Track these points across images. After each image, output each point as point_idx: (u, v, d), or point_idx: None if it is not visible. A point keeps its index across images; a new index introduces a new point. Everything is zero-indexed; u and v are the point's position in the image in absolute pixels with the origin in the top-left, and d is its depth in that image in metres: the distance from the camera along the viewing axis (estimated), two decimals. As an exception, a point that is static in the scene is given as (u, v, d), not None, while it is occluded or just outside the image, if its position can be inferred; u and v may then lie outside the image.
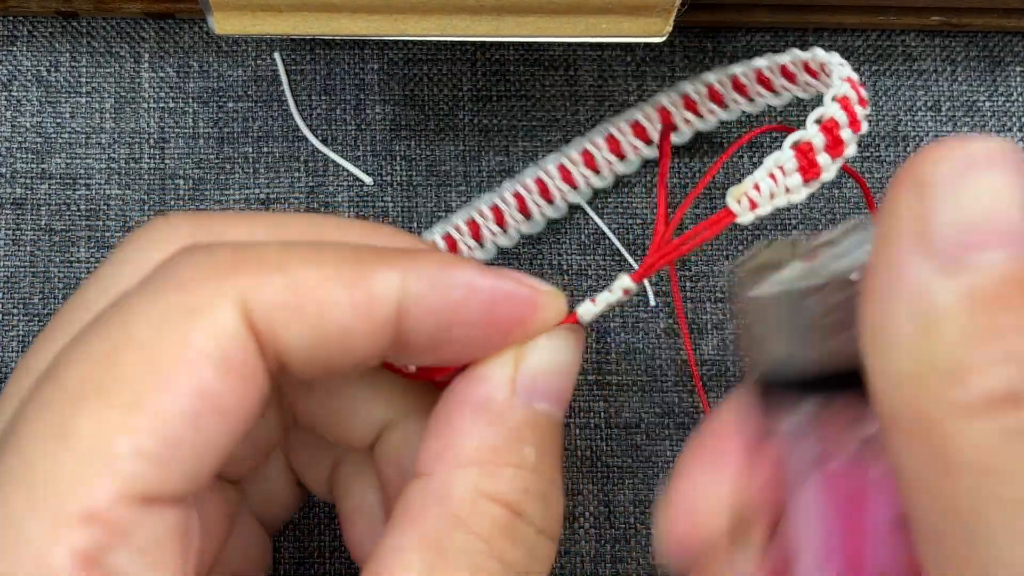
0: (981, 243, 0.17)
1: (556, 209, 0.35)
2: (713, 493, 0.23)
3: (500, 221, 0.34)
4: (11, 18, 0.37)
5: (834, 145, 0.25)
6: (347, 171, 0.37)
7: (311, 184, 0.37)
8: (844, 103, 0.26)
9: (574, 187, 0.35)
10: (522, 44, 0.37)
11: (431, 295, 0.22)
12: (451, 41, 0.37)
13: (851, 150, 0.25)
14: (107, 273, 0.24)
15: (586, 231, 0.36)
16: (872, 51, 0.37)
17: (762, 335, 0.22)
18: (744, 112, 0.34)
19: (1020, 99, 0.37)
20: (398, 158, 0.37)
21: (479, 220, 0.34)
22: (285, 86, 0.37)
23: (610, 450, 0.36)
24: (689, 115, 0.34)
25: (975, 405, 0.16)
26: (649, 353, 0.36)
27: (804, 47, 0.37)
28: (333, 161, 0.37)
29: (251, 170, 0.37)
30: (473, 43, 0.37)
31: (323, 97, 0.37)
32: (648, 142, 0.35)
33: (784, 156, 0.25)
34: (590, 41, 0.33)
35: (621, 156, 0.35)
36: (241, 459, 0.27)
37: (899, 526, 0.21)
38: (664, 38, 0.30)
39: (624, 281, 0.26)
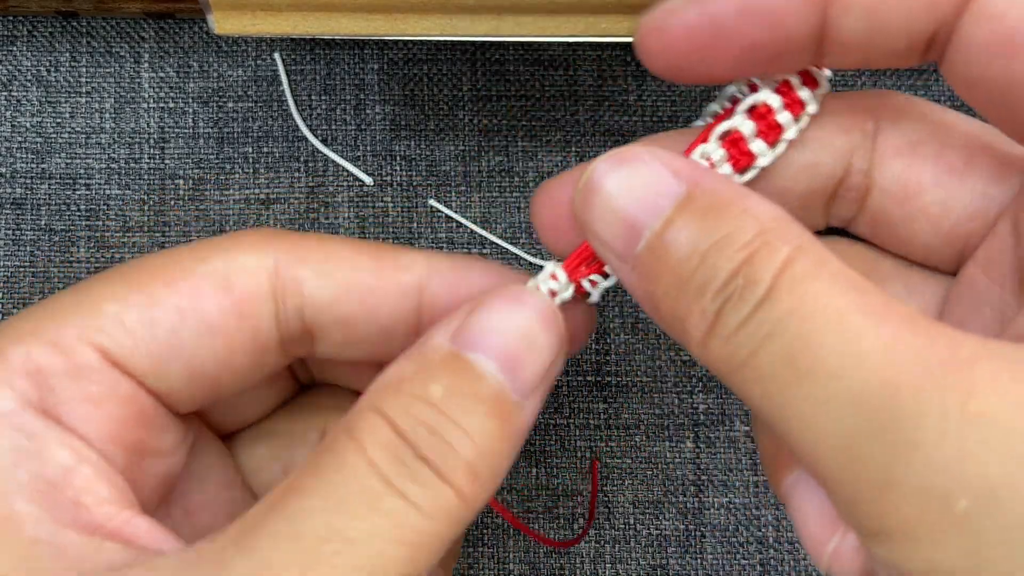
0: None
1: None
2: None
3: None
4: (11, 18, 0.37)
5: (768, 131, 0.24)
6: (347, 171, 0.37)
7: (311, 184, 0.37)
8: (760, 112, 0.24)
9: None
10: (522, 44, 0.37)
11: (450, 273, 0.26)
12: (451, 41, 0.37)
13: (791, 132, 0.24)
14: None
15: (586, 231, 0.36)
16: (872, 51, 0.37)
17: None
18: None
19: (1020, 99, 0.37)
20: (398, 158, 0.37)
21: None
22: (285, 86, 0.37)
23: (610, 450, 0.36)
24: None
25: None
26: (649, 354, 0.36)
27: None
28: (333, 161, 0.37)
29: (251, 170, 0.37)
30: (473, 43, 0.37)
31: (323, 97, 0.37)
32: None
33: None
34: (590, 41, 0.33)
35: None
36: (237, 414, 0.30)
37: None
38: (664, 38, 0.30)
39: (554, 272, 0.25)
